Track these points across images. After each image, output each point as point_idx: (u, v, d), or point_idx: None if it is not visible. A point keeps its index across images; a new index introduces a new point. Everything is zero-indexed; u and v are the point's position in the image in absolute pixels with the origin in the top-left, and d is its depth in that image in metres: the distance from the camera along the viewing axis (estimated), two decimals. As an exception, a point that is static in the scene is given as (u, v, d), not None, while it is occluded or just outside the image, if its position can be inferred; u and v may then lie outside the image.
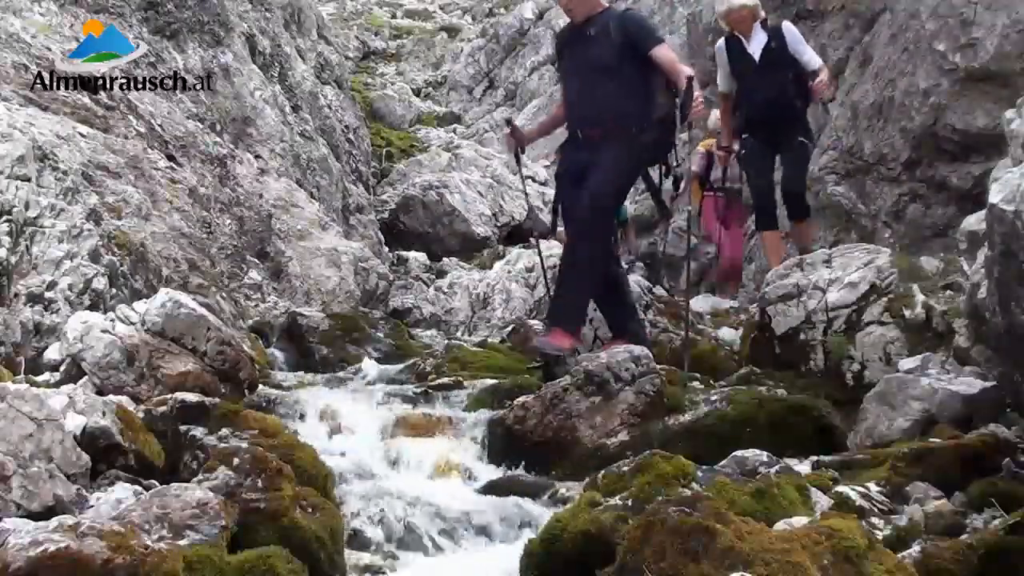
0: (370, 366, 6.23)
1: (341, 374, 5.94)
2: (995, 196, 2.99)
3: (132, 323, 4.75)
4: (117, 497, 3.01)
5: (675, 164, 5.47)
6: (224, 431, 3.59)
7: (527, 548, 3.07)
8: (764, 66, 7.08)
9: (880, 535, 2.91)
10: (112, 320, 4.77)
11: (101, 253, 5.68)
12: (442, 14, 27.18)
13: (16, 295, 5.08)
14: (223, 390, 4.64)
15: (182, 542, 2.68)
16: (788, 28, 7.20)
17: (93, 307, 5.35)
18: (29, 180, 5.41)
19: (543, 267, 6.48)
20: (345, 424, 4.68)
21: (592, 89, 5.41)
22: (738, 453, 3.74)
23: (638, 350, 4.64)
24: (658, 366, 4.69)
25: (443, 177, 15.73)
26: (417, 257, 13.35)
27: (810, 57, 7.12)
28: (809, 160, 7.61)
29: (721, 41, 7.47)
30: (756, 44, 7.15)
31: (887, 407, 4.05)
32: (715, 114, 8.69)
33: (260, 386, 5.07)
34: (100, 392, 4.13)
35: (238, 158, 9.46)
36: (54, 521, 2.52)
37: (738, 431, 4.16)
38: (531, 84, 21.27)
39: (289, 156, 10.75)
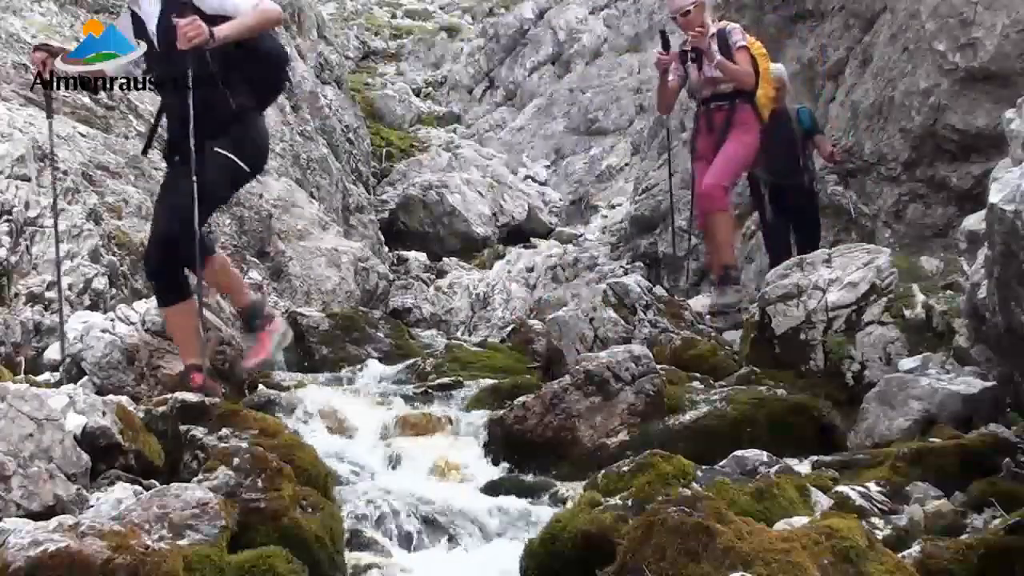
0: (370, 366, 6.23)
1: (341, 374, 5.93)
2: (995, 196, 2.99)
3: (132, 323, 4.75)
4: (117, 497, 3.01)
5: None
6: (224, 431, 3.59)
7: (527, 548, 3.07)
8: (167, 50, 4.31)
9: (880, 535, 2.90)
10: (112, 320, 4.77)
11: (101, 253, 5.68)
12: (442, 14, 27.18)
13: (16, 295, 5.08)
14: (223, 390, 4.64)
15: (182, 542, 2.67)
16: None
17: (93, 307, 5.35)
18: (29, 180, 5.42)
19: None
20: (345, 424, 4.68)
21: None
22: (738, 453, 3.75)
23: (638, 350, 4.64)
24: (658, 366, 4.69)
25: (443, 177, 15.76)
26: (417, 257, 13.36)
27: (236, 5, 4.26)
28: (190, 195, 4.19)
29: (124, 12, 4.64)
30: (151, 13, 4.40)
31: (887, 407, 4.05)
32: None
33: (260, 386, 5.07)
34: (100, 392, 4.13)
35: (238, 158, 9.45)
36: (54, 521, 2.52)
37: (738, 431, 4.15)
38: (531, 84, 21.25)
39: (289, 156, 10.76)
